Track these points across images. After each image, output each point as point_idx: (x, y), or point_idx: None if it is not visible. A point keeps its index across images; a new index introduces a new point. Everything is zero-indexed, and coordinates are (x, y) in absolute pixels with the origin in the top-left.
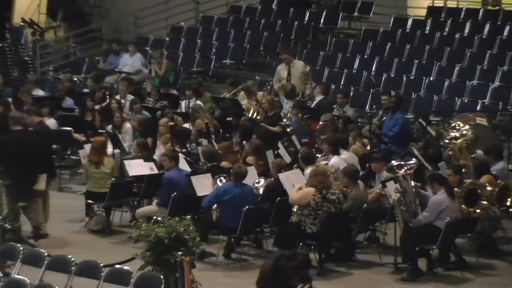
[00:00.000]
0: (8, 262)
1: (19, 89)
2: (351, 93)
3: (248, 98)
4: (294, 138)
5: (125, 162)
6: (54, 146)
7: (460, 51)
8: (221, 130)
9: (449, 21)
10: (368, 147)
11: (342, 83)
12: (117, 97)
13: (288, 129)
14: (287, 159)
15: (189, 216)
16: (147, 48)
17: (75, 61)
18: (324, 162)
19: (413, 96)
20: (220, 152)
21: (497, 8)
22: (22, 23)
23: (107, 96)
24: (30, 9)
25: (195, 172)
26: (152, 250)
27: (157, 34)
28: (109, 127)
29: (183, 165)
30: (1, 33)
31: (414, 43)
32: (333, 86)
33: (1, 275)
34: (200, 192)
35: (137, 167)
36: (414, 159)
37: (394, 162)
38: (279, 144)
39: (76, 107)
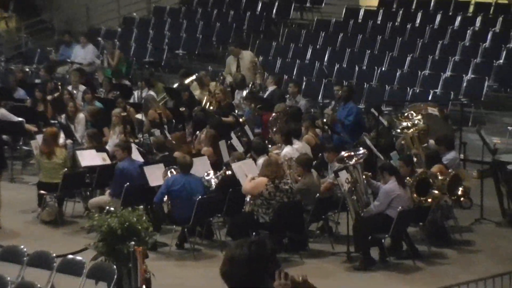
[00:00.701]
0: None
1: None
2: (304, 84)
3: (201, 89)
4: (247, 128)
5: (78, 152)
6: (5, 137)
7: (411, 42)
8: (174, 121)
9: (400, 12)
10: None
11: (294, 73)
12: (69, 88)
13: (240, 120)
14: (240, 149)
15: (142, 207)
16: (99, 39)
17: (27, 52)
18: (277, 151)
19: (365, 86)
20: (172, 142)
21: None
22: None
23: (59, 87)
24: None
25: (148, 163)
26: (105, 240)
27: (109, 25)
28: (62, 118)
29: (136, 156)
30: None
31: (366, 33)
32: (285, 77)
33: None
34: (153, 183)
35: (89, 158)
36: (363, 149)
37: (344, 153)
38: (232, 135)
39: (28, 98)
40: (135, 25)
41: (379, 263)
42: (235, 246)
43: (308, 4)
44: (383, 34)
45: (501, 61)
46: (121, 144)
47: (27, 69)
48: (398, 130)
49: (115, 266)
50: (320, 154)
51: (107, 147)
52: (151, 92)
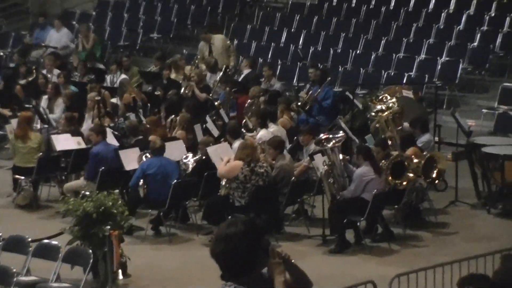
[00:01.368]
0: None
1: None
2: (279, 67)
3: (176, 73)
4: (222, 111)
5: (52, 136)
6: None
7: (386, 24)
8: (149, 104)
9: None
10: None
11: (269, 56)
12: (44, 71)
13: (216, 103)
14: (215, 132)
15: (117, 191)
16: (74, 22)
17: (1, 35)
18: (251, 134)
19: (340, 69)
20: (146, 126)
21: None
22: None
23: (34, 71)
24: None
25: (123, 146)
26: (80, 224)
27: (84, 8)
28: (41, 101)
29: (111, 140)
30: None
31: (341, 16)
32: (260, 60)
33: None
34: (128, 166)
35: (64, 142)
36: (342, 132)
37: (322, 136)
38: (207, 118)
39: (1, 81)
40: (110, 8)
41: (355, 246)
42: (228, 225)
43: None
44: (358, 17)
45: (475, 43)
46: (95, 128)
47: (1, 53)
48: (373, 113)
49: (90, 250)
50: (295, 137)
51: (82, 130)
52: (123, 76)
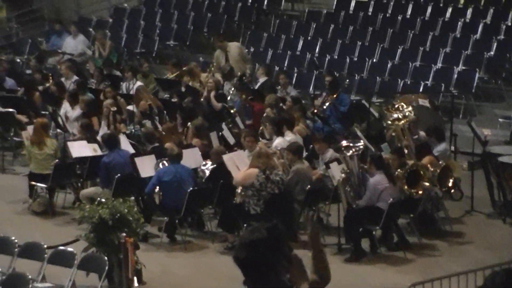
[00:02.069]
0: None
1: None
2: (295, 75)
3: (192, 80)
4: (237, 119)
5: (68, 143)
6: None
7: (402, 33)
8: (165, 112)
9: (391, 3)
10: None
11: (285, 64)
12: (63, 79)
13: (231, 111)
14: (231, 140)
15: (132, 198)
16: (90, 29)
17: (18, 42)
18: (266, 142)
19: (356, 78)
20: (162, 133)
21: None
22: None
23: (50, 78)
24: None
25: (139, 154)
26: (96, 231)
27: (100, 14)
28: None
29: (126, 146)
30: None
31: (357, 24)
32: (276, 68)
33: None
34: (144, 174)
35: (80, 149)
36: (362, 141)
37: (343, 142)
38: (223, 126)
39: (18, 88)
40: (126, 16)
41: (370, 255)
42: (251, 232)
43: None
44: (374, 26)
45: (492, 52)
46: (105, 136)
47: (18, 60)
48: (389, 122)
49: (106, 257)
50: (311, 145)
51: (98, 137)
52: (139, 82)
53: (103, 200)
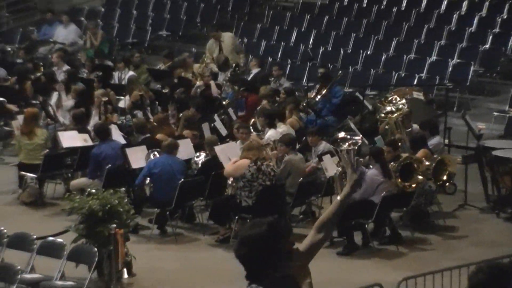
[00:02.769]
0: None
1: None
2: (288, 66)
3: (185, 71)
4: (230, 110)
5: (59, 133)
6: None
7: (397, 25)
8: (156, 102)
9: None
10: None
11: (279, 56)
12: (54, 68)
13: (224, 102)
14: (223, 131)
15: (123, 189)
16: (82, 18)
17: (8, 31)
18: (257, 134)
19: (350, 70)
20: (154, 124)
21: None
22: None
23: (41, 68)
24: None
25: (129, 145)
26: (86, 222)
27: (92, 4)
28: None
29: (117, 137)
30: None
31: (351, 16)
32: (270, 59)
33: None
34: (134, 165)
35: (70, 139)
36: (360, 136)
37: (339, 135)
38: (216, 117)
39: (9, 77)
40: (118, 5)
41: (362, 249)
42: (251, 227)
43: None
44: (369, 17)
45: (487, 45)
46: (96, 126)
47: (9, 49)
48: (382, 114)
49: (95, 249)
50: (304, 137)
51: (88, 127)
52: (131, 72)
53: (93, 191)
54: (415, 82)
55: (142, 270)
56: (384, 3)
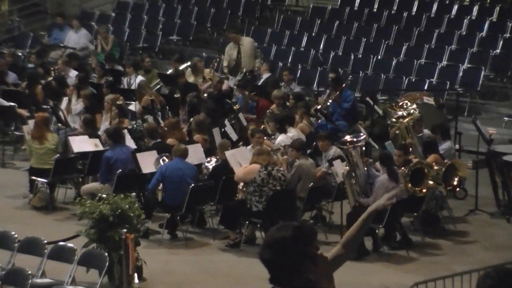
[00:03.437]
0: None
1: None
2: (299, 71)
3: (195, 76)
4: (240, 115)
5: (69, 138)
6: None
7: (408, 30)
8: (167, 107)
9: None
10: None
11: (289, 60)
12: (63, 73)
13: (234, 107)
14: (234, 136)
15: (134, 194)
16: (93, 23)
17: (19, 35)
18: (268, 139)
19: (360, 75)
20: (165, 129)
21: None
22: None
23: (52, 72)
24: None
25: (140, 149)
26: (96, 227)
27: (102, 9)
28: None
29: (128, 142)
30: None
31: (362, 21)
32: (280, 64)
33: None
34: (145, 169)
35: (81, 144)
36: (363, 133)
37: (347, 137)
38: (226, 122)
39: (20, 82)
40: (129, 10)
41: (373, 253)
42: (277, 230)
43: None
44: (379, 22)
45: (498, 50)
46: (110, 129)
47: (20, 53)
48: (393, 119)
49: (106, 253)
50: (314, 142)
51: (99, 132)
52: (140, 77)
53: (104, 195)
54: (425, 87)
55: (152, 275)
56: (395, 8)
